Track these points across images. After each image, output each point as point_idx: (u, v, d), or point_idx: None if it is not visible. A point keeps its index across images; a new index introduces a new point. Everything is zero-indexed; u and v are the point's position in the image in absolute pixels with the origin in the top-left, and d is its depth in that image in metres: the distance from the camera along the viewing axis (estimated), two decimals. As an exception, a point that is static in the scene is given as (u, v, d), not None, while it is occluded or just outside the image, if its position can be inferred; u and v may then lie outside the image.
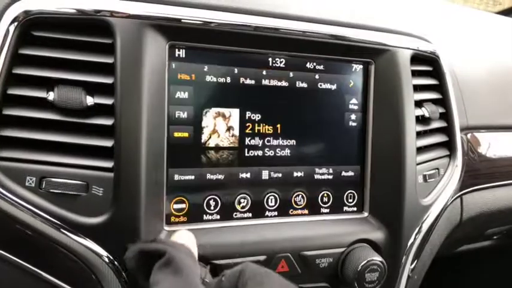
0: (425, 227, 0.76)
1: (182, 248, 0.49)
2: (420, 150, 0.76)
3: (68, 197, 0.55)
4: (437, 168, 0.79)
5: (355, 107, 0.72)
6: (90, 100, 0.55)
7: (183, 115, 0.61)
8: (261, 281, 0.43)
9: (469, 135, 0.90)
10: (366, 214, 0.73)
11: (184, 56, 0.61)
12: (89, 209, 0.55)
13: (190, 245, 0.53)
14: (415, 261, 0.76)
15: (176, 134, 0.61)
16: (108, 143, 0.56)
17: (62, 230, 0.54)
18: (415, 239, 0.74)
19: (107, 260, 0.56)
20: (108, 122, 0.56)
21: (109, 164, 0.55)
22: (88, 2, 0.55)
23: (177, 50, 0.61)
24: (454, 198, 0.86)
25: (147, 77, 0.56)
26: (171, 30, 0.58)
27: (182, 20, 0.58)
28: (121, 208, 0.55)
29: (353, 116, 0.71)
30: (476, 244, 1.28)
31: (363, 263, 0.65)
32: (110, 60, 0.56)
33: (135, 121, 0.55)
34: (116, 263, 0.56)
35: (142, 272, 0.48)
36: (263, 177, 0.67)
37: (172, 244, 0.50)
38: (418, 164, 0.74)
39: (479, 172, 0.93)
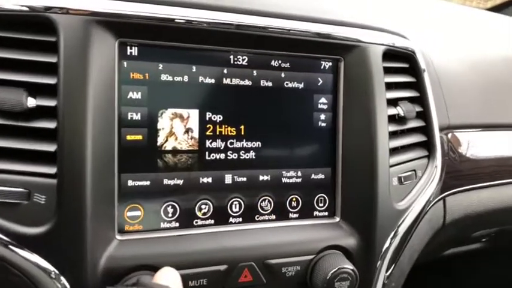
0: (401, 230, 0.72)
1: None
2: (395, 151, 0.72)
3: (7, 205, 0.51)
4: (414, 170, 0.75)
5: (324, 107, 0.68)
6: (31, 102, 0.52)
7: (136, 116, 0.58)
8: None
9: (449, 135, 0.87)
10: (337, 219, 0.69)
11: (136, 54, 0.58)
12: (31, 218, 0.52)
13: (176, 286, 0.49)
14: (392, 267, 0.72)
15: (129, 137, 0.58)
16: (51, 148, 0.52)
17: (1, 241, 0.51)
18: (390, 243, 0.70)
19: (53, 275, 0.52)
20: (51, 125, 0.52)
21: (52, 170, 0.52)
22: (28, -3, 0.51)
23: (128, 47, 0.57)
24: (435, 200, 0.82)
25: (93, 77, 0.53)
26: (121, 27, 0.55)
27: (132, 16, 0.55)
28: (65, 216, 0.51)
29: (322, 116, 0.68)
30: (465, 247, 1.24)
31: (332, 271, 0.61)
32: (53, 60, 0.52)
33: (80, 124, 0.52)
34: (62, 278, 0.52)
35: None
36: (226, 182, 0.63)
37: (153, 287, 0.46)
38: (392, 165, 0.70)
39: (462, 173, 0.90)
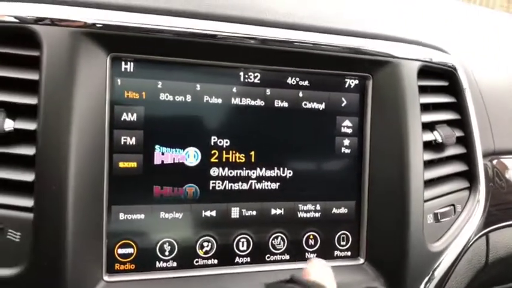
0: (438, 275, 0.62)
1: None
2: (431, 182, 0.63)
3: (-24, 243, 0.45)
4: (453, 205, 0.65)
5: (349, 131, 0.59)
6: (9, 124, 0.46)
7: (131, 141, 0.51)
8: None
9: (495, 161, 0.76)
10: (361, 261, 0.60)
11: (132, 70, 0.51)
12: (3, 258, 0.45)
13: (327, 282, 0.44)
14: (425, 316, 0.63)
15: (122, 164, 0.51)
16: (28, 177, 0.46)
17: (-32, 284, 0.45)
18: (425, 289, 0.61)
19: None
20: (30, 151, 0.46)
21: (28, 203, 0.45)
22: (9, 7, 0.45)
23: (123, 63, 0.50)
24: (476, 237, 0.72)
25: (80, 97, 0.46)
26: (113, 39, 0.48)
27: (127, 28, 0.48)
28: (42, 256, 0.45)
29: (346, 142, 0.59)
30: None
31: (355, 324, 0.52)
32: (35, 77, 0.46)
33: (62, 150, 0.45)
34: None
35: None
36: (232, 216, 0.55)
37: (307, 284, 0.42)
38: (427, 200, 0.61)
39: (510, 205, 0.79)
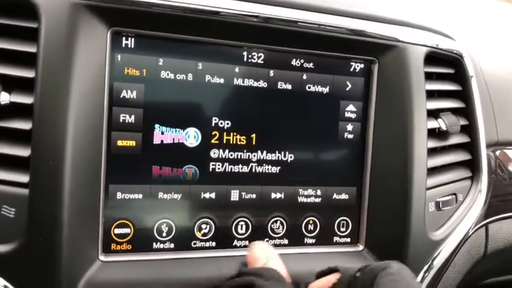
0: (437, 264, 0.62)
1: (268, 273, 0.40)
2: (434, 171, 0.62)
3: (-31, 218, 0.44)
4: (455, 194, 0.64)
5: (352, 116, 0.58)
6: (4, 97, 0.45)
7: (130, 119, 0.50)
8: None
9: (497, 152, 0.75)
10: (361, 247, 0.59)
11: (133, 46, 0.49)
12: (-4, 233, 0.44)
13: (273, 263, 0.43)
14: (424, 305, 0.62)
15: (120, 143, 0.50)
16: (24, 152, 0.45)
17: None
18: (423, 278, 0.60)
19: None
20: (26, 125, 0.45)
21: (24, 179, 0.44)
22: (7, -24, 0.44)
23: (124, 38, 0.49)
24: (476, 228, 0.71)
25: (79, 72, 0.45)
26: (114, 13, 0.47)
27: (128, 1, 0.46)
28: (37, 233, 0.44)
29: (349, 127, 0.58)
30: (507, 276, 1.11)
31: (352, 311, 0.51)
32: (32, 50, 0.45)
33: (59, 126, 0.44)
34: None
35: None
36: (232, 199, 0.54)
37: (259, 272, 0.40)
38: (430, 188, 0.60)
39: (510, 197, 0.78)
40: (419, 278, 0.60)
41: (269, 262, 0.43)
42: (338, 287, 0.40)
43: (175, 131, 0.52)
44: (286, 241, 0.57)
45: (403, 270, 0.38)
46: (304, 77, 0.56)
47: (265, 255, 0.44)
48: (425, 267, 0.60)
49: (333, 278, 0.42)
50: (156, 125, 0.51)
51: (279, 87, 0.55)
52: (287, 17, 0.52)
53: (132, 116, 0.50)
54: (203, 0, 0.49)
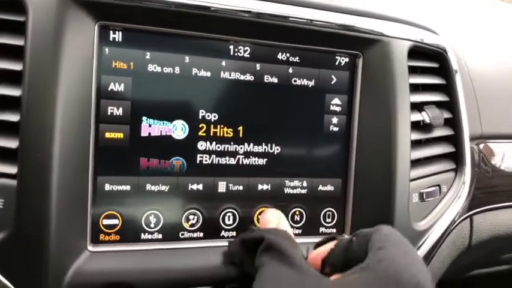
0: (421, 253, 0.63)
1: (278, 232, 0.45)
2: (418, 162, 0.64)
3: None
4: (439, 185, 0.65)
5: (338, 109, 0.59)
6: (-7, 90, 0.45)
7: (118, 112, 0.51)
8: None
9: (481, 145, 0.77)
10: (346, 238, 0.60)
11: (120, 39, 0.50)
12: (-15, 224, 0.45)
13: (284, 226, 0.49)
14: (407, 295, 0.63)
15: (108, 135, 0.50)
16: (12, 144, 0.45)
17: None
18: (407, 268, 0.61)
19: (8, 293, 0.45)
20: (14, 118, 0.45)
21: (12, 170, 0.45)
22: (-6, -31, 0.44)
23: (111, 32, 0.50)
24: (460, 219, 0.72)
25: (67, 65, 0.46)
26: (102, 7, 0.48)
27: (115, -5, 0.47)
28: (25, 223, 0.45)
29: (334, 119, 0.59)
30: (491, 268, 1.13)
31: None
32: (20, 43, 0.45)
33: (47, 118, 0.45)
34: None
35: (247, 260, 0.47)
36: (219, 190, 0.55)
37: (269, 230, 0.47)
38: (413, 179, 0.61)
39: (494, 189, 0.80)
40: (403, 268, 0.61)
41: (280, 225, 0.48)
42: (335, 251, 0.43)
43: (163, 123, 0.52)
44: (272, 232, 0.58)
45: (394, 230, 0.42)
46: (290, 70, 0.57)
47: (276, 219, 0.50)
48: (410, 257, 0.61)
49: (331, 244, 0.44)
50: (144, 118, 0.51)
51: (265, 80, 0.56)
52: (278, 13, 0.53)
53: (120, 109, 0.50)
54: (190, -5, 0.49)
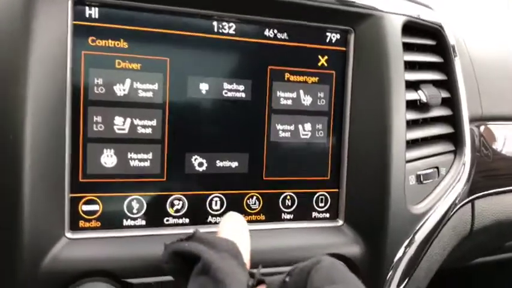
0: (419, 238, 0.61)
1: (224, 246, 0.37)
2: (414, 143, 0.61)
3: None
4: (437, 167, 0.63)
5: (329, 87, 0.57)
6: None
7: (98, 90, 0.48)
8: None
9: (482, 128, 0.74)
10: (340, 222, 0.58)
11: (97, 16, 0.48)
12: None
13: (239, 238, 0.40)
14: (405, 280, 0.61)
15: (85, 115, 0.48)
16: (-17, 125, 0.43)
17: None
18: (404, 253, 0.59)
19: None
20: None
21: (-15, 152, 0.43)
22: None
23: (87, 8, 0.47)
24: (462, 203, 0.70)
25: (38, 44, 0.43)
26: (75, -20, 0.45)
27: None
28: (-3, 208, 0.42)
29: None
30: (494, 257, 1.10)
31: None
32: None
33: (17, 98, 0.42)
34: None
35: (182, 276, 0.38)
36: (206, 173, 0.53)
37: (213, 241, 0.38)
38: (410, 161, 0.59)
39: (495, 172, 0.77)
40: (400, 253, 0.58)
41: (234, 234, 0.41)
42: None
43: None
44: (262, 217, 0.56)
45: (336, 263, 0.34)
46: (278, 47, 0.54)
47: (232, 226, 0.43)
48: (407, 241, 0.59)
49: None
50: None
51: (251, 58, 0.53)
52: None
53: (100, 88, 0.48)
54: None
